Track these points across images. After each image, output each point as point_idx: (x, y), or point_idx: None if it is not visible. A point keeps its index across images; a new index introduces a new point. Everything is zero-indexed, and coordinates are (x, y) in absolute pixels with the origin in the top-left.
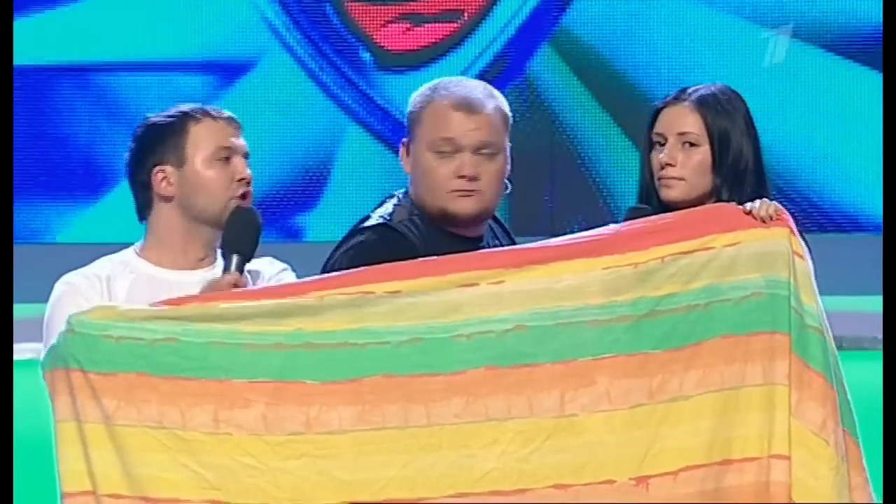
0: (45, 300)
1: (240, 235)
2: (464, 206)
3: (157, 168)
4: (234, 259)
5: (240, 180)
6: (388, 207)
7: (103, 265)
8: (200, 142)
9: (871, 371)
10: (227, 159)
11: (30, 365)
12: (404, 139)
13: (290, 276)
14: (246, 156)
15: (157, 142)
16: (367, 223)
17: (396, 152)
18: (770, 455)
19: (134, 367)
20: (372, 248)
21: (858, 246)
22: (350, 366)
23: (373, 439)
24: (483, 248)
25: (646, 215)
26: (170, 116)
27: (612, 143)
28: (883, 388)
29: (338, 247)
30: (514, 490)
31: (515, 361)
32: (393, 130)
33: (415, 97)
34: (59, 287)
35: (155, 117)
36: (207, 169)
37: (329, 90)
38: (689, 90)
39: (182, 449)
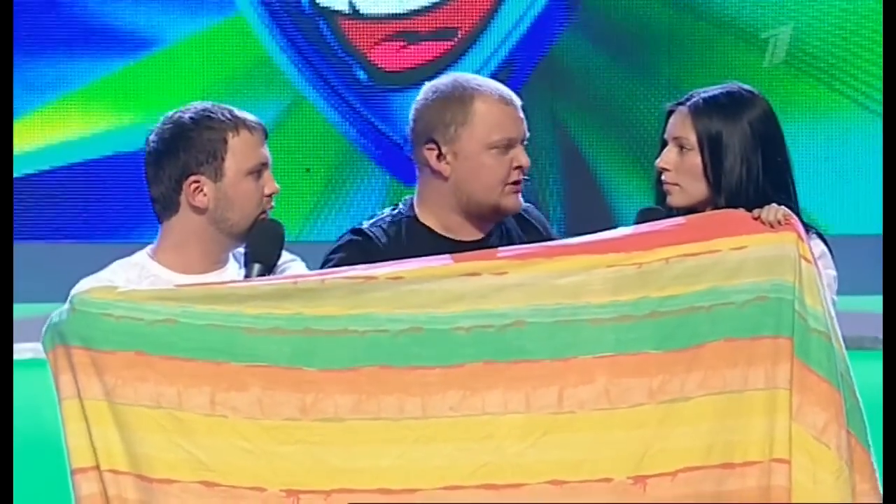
0: (45, 300)
1: (264, 247)
2: (517, 201)
3: (193, 178)
4: (256, 268)
5: (269, 195)
6: (383, 213)
7: (116, 271)
8: (239, 156)
9: (871, 371)
10: (259, 173)
11: (30, 365)
12: (429, 145)
13: (298, 266)
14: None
15: (193, 149)
16: (350, 229)
17: (391, 170)
18: (771, 459)
19: (132, 346)
20: (343, 252)
21: (858, 246)
22: (348, 354)
23: (368, 429)
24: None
25: (657, 218)
26: (205, 120)
27: (611, 152)
28: (883, 388)
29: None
30: (509, 484)
31: (514, 357)
32: (388, 149)
33: (438, 100)
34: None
35: (185, 117)
36: (243, 184)
37: (323, 109)
38: (695, 94)
39: (178, 429)
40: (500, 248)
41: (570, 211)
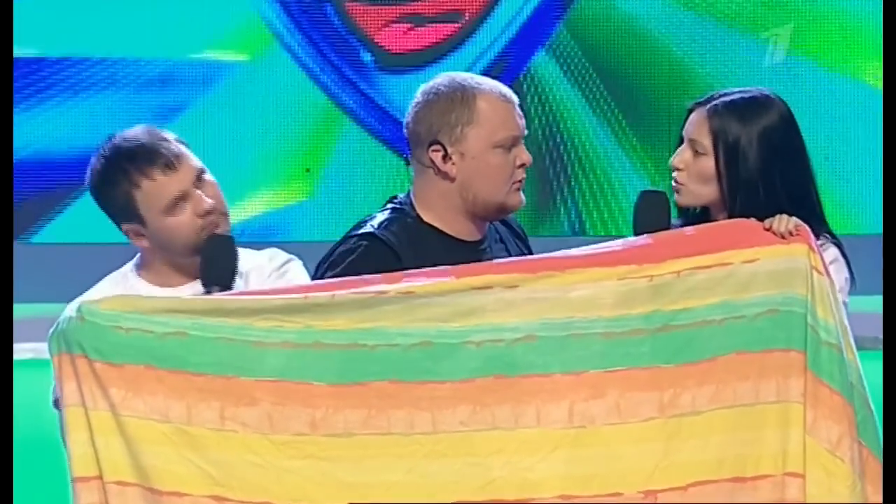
0: (45, 300)
1: (216, 268)
2: (520, 199)
3: (124, 227)
4: (215, 292)
5: (205, 215)
6: (383, 215)
7: (104, 289)
8: (152, 201)
9: (872, 371)
10: (185, 199)
11: (30, 365)
12: (435, 147)
13: (296, 266)
14: (202, 175)
15: (111, 201)
16: (358, 231)
17: (397, 153)
18: (785, 473)
19: (142, 360)
20: (356, 257)
21: (858, 246)
22: (358, 369)
23: (377, 444)
24: (485, 250)
25: (658, 200)
26: (113, 172)
27: (613, 144)
28: (883, 388)
29: (331, 251)
30: (519, 500)
31: (525, 371)
32: (393, 131)
33: (441, 101)
34: (71, 308)
35: (103, 166)
36: (169, 218)
37: (329, 91)
38: (717, 95)
39: (187, 443)
40: (503, 260)
41: (566, 209)
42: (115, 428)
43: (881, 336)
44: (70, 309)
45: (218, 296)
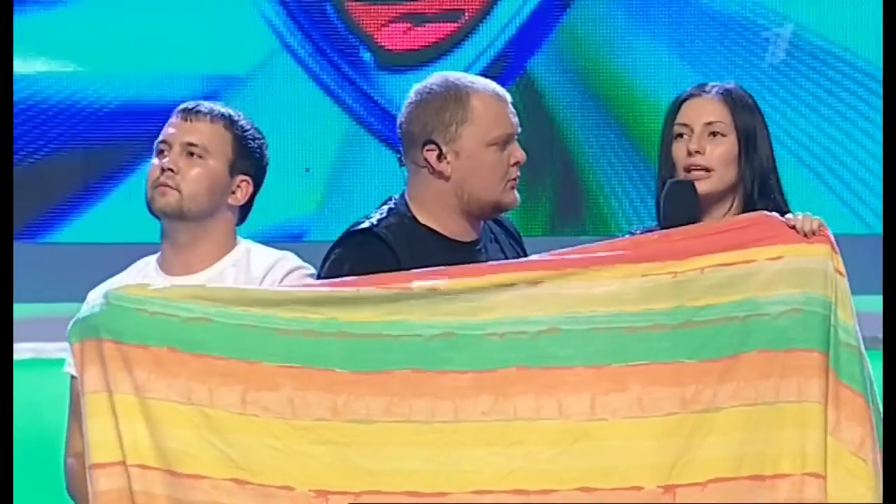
0: (45, 300)
1: None
2: (516, 197)
3: None
4: None
5: (164, 174)
6: (379, 214)
7: (131, 271)
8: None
9: (871, 371)
10: (169, 147)
11: (30, 365)
12: (429, 146)
13: (290, 262)
14: (196, 150)
15: None
16: (355, 228)
17: (398, 151)
18: (804, 473)
19: (165, 342)
20: (354, 255)
21: (858, 246)
22: (381, 357)
23: (398, 431)
24: (480, 251)
25: (686, 189)
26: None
27: (613, 143)
28: (883, 388)
29: (329, 253)
30: (539, 490)
31: (547, 363)
32: (394, 130)
33: (434, 101)
34: (92, 296)
35: None
36: (153, 158)
37: (329, 90)
38: (709, 85)
39: (209, 426)
40: (527, 259)
41: (562, 209)
42: (138, 411)
43: (881, 336)
44: (92, 299)
45: (243, 287)
